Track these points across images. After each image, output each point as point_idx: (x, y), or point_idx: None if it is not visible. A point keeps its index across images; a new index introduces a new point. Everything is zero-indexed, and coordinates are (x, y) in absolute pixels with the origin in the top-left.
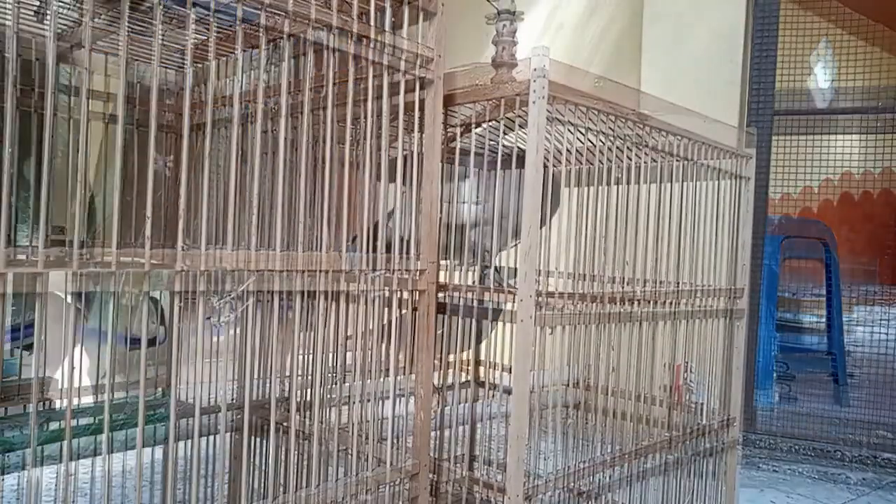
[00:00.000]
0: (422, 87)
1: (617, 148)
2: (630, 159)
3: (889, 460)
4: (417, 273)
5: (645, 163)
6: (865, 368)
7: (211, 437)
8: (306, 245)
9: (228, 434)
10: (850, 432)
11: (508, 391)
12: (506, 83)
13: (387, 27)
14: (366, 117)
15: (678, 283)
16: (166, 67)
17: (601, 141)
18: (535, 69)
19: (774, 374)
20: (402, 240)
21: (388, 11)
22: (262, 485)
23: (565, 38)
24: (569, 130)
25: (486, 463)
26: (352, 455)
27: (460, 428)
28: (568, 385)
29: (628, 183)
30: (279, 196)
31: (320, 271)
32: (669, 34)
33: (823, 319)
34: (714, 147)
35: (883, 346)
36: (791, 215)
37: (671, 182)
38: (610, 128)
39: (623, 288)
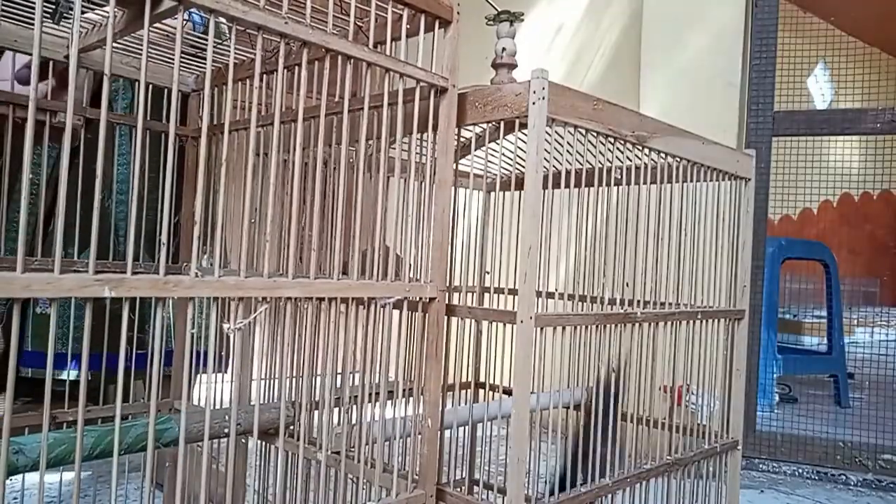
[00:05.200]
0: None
1: (616, 168)
2: (630, 178)
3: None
4: (427, 300)
5: (645, 184)
6: (867, 391)
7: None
8: (318, 271)
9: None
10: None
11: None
12: (504, 95)
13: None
14: (380, 125)
15: (678, 305)
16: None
17: (600, 162)
18: (534, 91)
19: (777, 397)
20: (408, 265)
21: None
22: None
23: (565, 39)
24: (567, 151)
25: (486, 487)
26: (357, 484)
27: (460, 451)
28: (570, 408)
29: (628, 193)
30: (292, 223)
31: (331, 299)
32: (669, 35)
33: (825, 341)
34: (713, 169)
35: (888, 368)
36: (791, 237)
37: (671, 202)
38: (609, 149)
39: (624, 309)
